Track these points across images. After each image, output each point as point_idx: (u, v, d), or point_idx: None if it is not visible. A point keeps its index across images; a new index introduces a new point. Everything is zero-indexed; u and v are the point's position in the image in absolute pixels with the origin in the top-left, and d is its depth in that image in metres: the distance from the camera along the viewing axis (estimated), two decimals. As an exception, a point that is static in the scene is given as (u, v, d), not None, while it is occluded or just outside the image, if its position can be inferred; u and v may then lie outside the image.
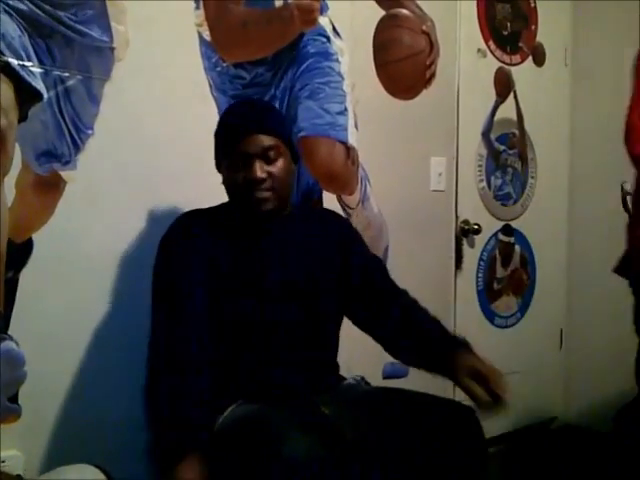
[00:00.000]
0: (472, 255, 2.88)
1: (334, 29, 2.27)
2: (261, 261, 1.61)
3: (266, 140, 1.57)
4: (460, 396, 1.59)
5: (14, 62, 1.64)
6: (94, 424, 1.78)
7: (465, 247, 2.84)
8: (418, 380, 2.08)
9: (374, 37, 2.43)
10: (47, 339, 1.72)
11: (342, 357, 1.78)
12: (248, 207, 1.59)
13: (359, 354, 1.87)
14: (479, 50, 2.85)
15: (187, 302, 1.53)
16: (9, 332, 1.67)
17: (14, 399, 1.68)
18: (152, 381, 1.47)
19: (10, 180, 1.67)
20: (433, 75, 2.58)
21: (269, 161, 1.58)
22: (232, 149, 1.58)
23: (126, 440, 1.69)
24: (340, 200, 2.35)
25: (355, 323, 1.76)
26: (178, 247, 1.59)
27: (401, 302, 1.73)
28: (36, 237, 1.72)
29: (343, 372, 1.77)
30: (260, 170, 1.56)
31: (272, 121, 1.64)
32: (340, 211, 2.27)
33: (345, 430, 1.49)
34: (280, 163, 1.59)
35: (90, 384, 1.79)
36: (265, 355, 1.59)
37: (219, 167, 1.64)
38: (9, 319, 1.68)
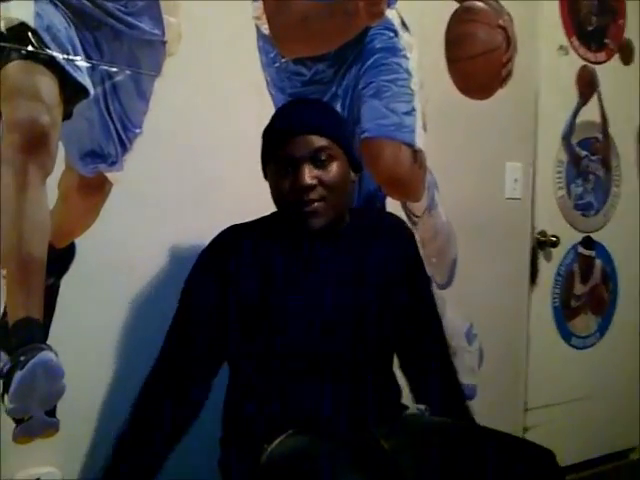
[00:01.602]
0: (548, 269, 2.70)
1: (402, 23, 2.11)
2: (311, 282, 1.45)
3: (316, 141, 1.38)
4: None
5: (59, 56, 1.56)
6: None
7: (541, 260, 2.66)
8: (485, 404, 1.93)
9: (446, 32, 2.26)
10: (88, 350, 1.63)
11: (403, 382, 1.64)
12: (296, 223, 1.41)
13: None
14: (561, 47, 2.66)
15: (183, 347, 1.47)
16: (48, 342, 1.58)
17: (52, 413, 1.59)
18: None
19: (52, 181, 1.58)
20: (510, 73, 2.41)
21: (320, 165, 1.38)
22: (278, 153, 1.41)
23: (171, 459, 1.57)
24: (405, 207, 2.19)
25: None
26: (202, 278, 1.48)
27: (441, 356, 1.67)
28: (79, 242, 1.63)
29: (407, 397, 1.63)
30: (309, 175, 1.36)
31: (323, 119, 1.44)
32: (405, 219, 2.11)
33: (405, 468, 1.34)
34: (333, 168, 1.39)
35: (132, 399, 1.68)
36: (317, 383, 1.43)
37: (265, 171, 1.48)
38: (48, 328, 1.59)
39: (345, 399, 1.44)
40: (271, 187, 1.46)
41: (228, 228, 1.51)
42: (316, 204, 1.38)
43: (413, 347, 1.62)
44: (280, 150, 1.40)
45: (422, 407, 1.59)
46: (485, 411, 1.91)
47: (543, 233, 2.64)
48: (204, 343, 1.46)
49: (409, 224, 2.12)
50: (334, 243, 1.47)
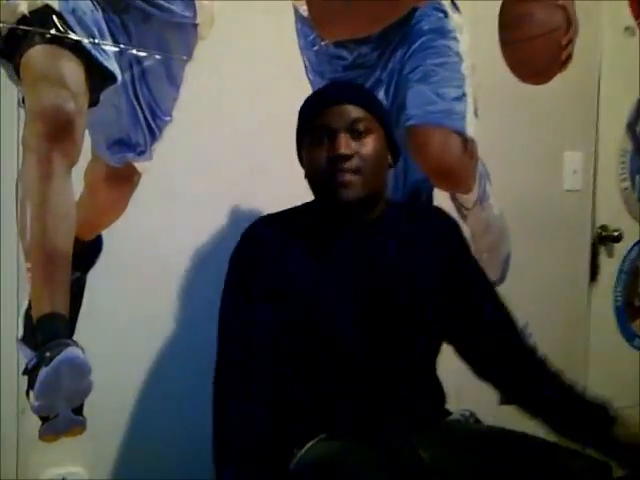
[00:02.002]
0: (610, 266, 2.57)
1: (453, 3, 1.98)
2: (348, 275, 1.36)
3: (353, 111, 1.33)
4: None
5: (85, 40, 1.49)
6: (165, 440, 1.61)
7: (602, 256, 2.53)
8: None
9: (500, 12, 2.11)
10: (116, 346, 1.57)
11: (451, 382, 1.51)
12: (329, 194, 1.34)
13: (471, 378, 1.59)
14: (627, 28, 2.51)
15: (251, 360, 1.32)
16: (74, 338, 1.51)
17: (79, 411, 1.54)
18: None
19: (78, 172, 1.51)
20: (570, 56, 2.25)
21: (357, 136, 1.33)
22: (314, 123, 1.35)
23: (202, 460, 1.49)
24: (454, 199, 2.07)
25: (458, 353, 1.50)
26: (242, 272, 1.37)
27: (519, 346, 1.49)
28: (106, 235, 1.57)
29: (452, 401, 1.51)
30: (345, 145, 1.31)
31: (362, 93, 1.42)
32: (454, 212, 1.99)
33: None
34: (370, 141, 1.34)
35: (162, 396, 1.63)
36: (351, 383, 1.34)
37: (300, 154, 1.42)
38: (74, 324, 1.53)
39: (381, 401, 1.35)
40: (305, 161, 1.41)
41: (258, 220, 1.43)
42: (350, 176, 1.32)
43: (482, 345, 1.49)
44: (316, 120, 1.35)
45: (467, 413, 1.48)
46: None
47: (605, 227, 2.52)
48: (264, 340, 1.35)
49: (458, 217, 2.01)
50: (367, 230, 1.39)
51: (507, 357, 1.47)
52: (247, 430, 1.27)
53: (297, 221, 1.42)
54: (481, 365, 1.49)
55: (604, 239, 2.52)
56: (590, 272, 2.50)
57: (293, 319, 1.35)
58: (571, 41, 2.24)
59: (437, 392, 1.48)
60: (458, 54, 2.00)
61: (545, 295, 2.32)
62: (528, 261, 2.26)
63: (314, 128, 1.35)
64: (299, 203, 1.46)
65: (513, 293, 2.17)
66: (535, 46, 2.19)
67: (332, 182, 1.33)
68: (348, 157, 1.31)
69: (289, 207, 1.46)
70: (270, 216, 1.44)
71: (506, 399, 1.51)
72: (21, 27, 1.43)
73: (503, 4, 2.12)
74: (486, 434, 1.42)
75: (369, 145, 1.33)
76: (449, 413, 1.48)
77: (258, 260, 1.37)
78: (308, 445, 1.31)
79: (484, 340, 1.47)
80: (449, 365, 1.51)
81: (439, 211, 1.57)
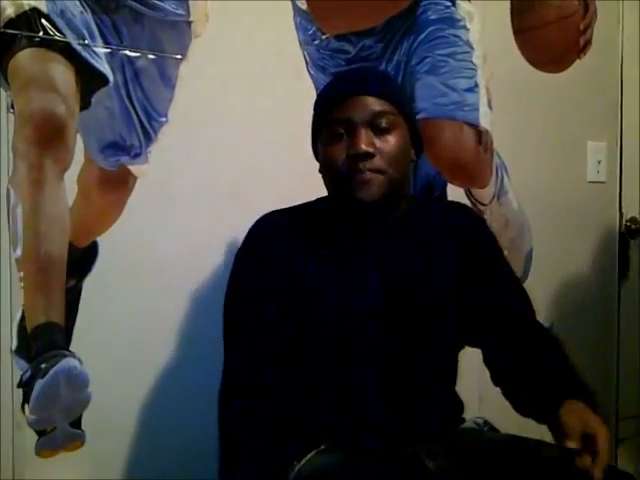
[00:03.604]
0: (642, 261, 2.45)
1: (461, -10, 1.91)
2: (361, 275, 1.27)
3: (376, 104, 1.23)
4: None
5: (74, 42, 1.45)
6: (167, 454, 1.55)
7: (633, 251, 2.41)
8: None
9: (512, -2, 2.04)
10: (114, 356, 1.52)
11: (471, 390, 1.50)
12: (347, 194, 1.23)
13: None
14: (649, 10, 2.39)
15: (260, 335, 1.25)
16: (71, 348, 1.47)
17: (77, 424, 1.49)
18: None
19: (71, 176, 1.47)
20: (589, 42, 2.16)
21: (379, 132, 1.23)
22: (332, 115, 1.25)
23: (206, 475, 1.44)
24: (470, 195, 1.98)
25: (483, 355, 1.40)
26: (251, 266, 1.30)
27: (531, 337, 1.36)
28: (101, 241, 1.52)
29: (471, 407, 1.44)
30: (366, 141, 1.20)
31: (385, 83, 1.30)
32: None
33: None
34: (394, 137, 1.23)
35: (163, 408, 1.57)
36: (357, 391, 1.26)
37: (315, 147, 1.33)
38: (71, 333, 1.49)
39: (387, 407, 1.26)
40: (321, 158, 1.31)
41: (267, 214, 1.35)
42: (371, 174, 1.22)
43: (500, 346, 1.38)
44: (334, 112, 1.25)
45: (480, 420, 1.39)
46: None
47: (634, 220, 2.39)
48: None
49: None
50: (388, 229, 1.30)
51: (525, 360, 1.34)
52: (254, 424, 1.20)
53: (308, 217, 1.34)
54: (499, 369, 1.38)
55: (633, 233, 2.39)
56: (619, 268, 2.39)
57: (305, 318, 1.27)
58: (589, 26, 2.16)
59: (453, 404, 1.39)
60: (468, 43, 1.93)
61: (572, 294, 2.23)
62: (552, 258, 2.17)
63: (332, 121, 1.25)
64: (301, 202, 1.39)
65: (537, 292, 2.08)
66: (550, 33, 2.10)
67: (351, 181, 1.23)
68: (369, 155, 1.21)
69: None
70: (278, 211, 1.35)
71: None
72: (8, 31, 1.40)
73: (515, -10, 2.04)
74: (501, 443, 1.32)
75: (392, 142, 1.23)
76: (463, 421, 1.39)
77: (268, 256, 1.29)
78: (307, 457, 1.23)
79: (503, 341, 1.36)
80: (471, 372, 1.45)
81: (465, 208, 1.48)
